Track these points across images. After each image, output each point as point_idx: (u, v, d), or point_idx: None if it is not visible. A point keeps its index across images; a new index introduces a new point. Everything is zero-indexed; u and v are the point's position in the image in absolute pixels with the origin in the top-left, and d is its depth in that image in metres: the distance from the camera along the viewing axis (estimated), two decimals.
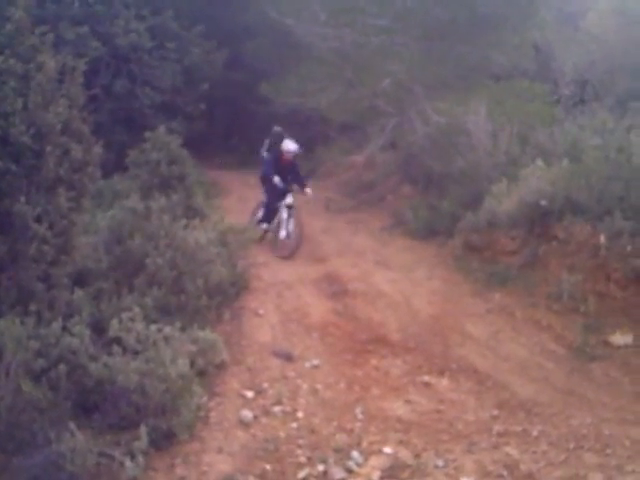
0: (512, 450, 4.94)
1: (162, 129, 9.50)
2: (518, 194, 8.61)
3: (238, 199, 13.05)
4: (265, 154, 10.62)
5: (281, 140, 12.29)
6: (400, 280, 8.59)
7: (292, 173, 10.33)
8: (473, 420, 5.50)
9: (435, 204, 10.81)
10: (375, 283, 8.70)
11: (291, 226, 10.07)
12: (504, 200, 8.75)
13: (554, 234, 8.11)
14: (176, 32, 16.33)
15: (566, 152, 9.17)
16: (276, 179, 9.95)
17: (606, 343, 6.66)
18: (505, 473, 4.62)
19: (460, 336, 7.18)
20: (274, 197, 10.23)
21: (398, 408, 5.71)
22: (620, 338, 6.63)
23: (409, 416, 5.58)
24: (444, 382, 6.20)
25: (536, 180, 8.50)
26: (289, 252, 9.88)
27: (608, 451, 4.83)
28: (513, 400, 5.82)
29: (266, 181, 10.34)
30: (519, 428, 5.31)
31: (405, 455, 4.95)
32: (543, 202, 8.30)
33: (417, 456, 4.94)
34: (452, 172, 10.85)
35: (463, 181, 10.50)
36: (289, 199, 10.13)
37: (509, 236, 8.66)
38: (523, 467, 4.68)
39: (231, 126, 19.82)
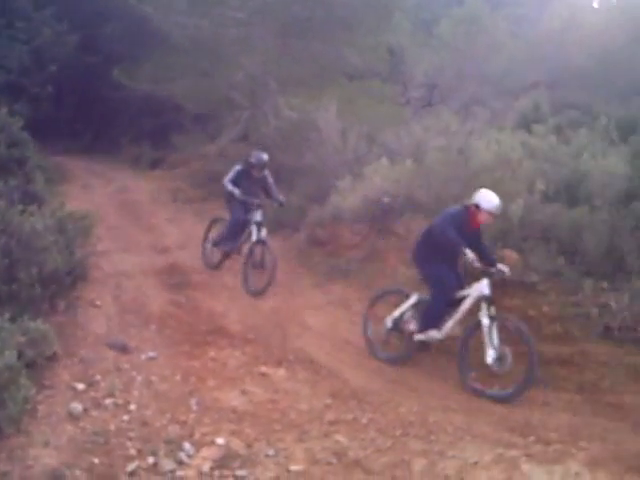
0: (342, 438, 5.02)
1: (4, 111, 9.19)
2: (362, 191, 8.84)
3: (82, 186, 12.56)
4: (444, 218, 6.32)
5: (262, 170, 8.59)
6: None
7: (474, 244, 6.25)
8: (306, 409, 5.54)
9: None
10: (218, 275, 8.64)
11: (496, 339, 6.00)
12: (349, 196, 8.95)
13: (394, 230, 8.40)
14: (27, 12, 15.84)
15: (410, 152, 9.51)
16: (470, 254, 6.02)
17: None
18: (334, 460, 4.69)
19: (299, 327, 7.28)
20: (455, 287, 6.41)
21: (233, 399, 5.66)
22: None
23: (244, 407, 5.54)
24: (280, 372, 6.22)
25: (380, 178, 8.77)
26: (512, 394, 5.79)
27: (432, 437, 5.02)
28: (346, 389, 5.93)
29: (429, 259, 6.45)
30: (350, 416, 5.41)
31: (237, 445, 4.89)
32: (385, 199, 8.57)
33: (249, 446, 4.90)
34: (301, 167, 11.00)
35: (311, 176, 10.67)
36: (485, 288, 6.14)
37: (352, 231, 8.89)
38: (351, 454, 4.77)
39: (79, 111, 19.07)
